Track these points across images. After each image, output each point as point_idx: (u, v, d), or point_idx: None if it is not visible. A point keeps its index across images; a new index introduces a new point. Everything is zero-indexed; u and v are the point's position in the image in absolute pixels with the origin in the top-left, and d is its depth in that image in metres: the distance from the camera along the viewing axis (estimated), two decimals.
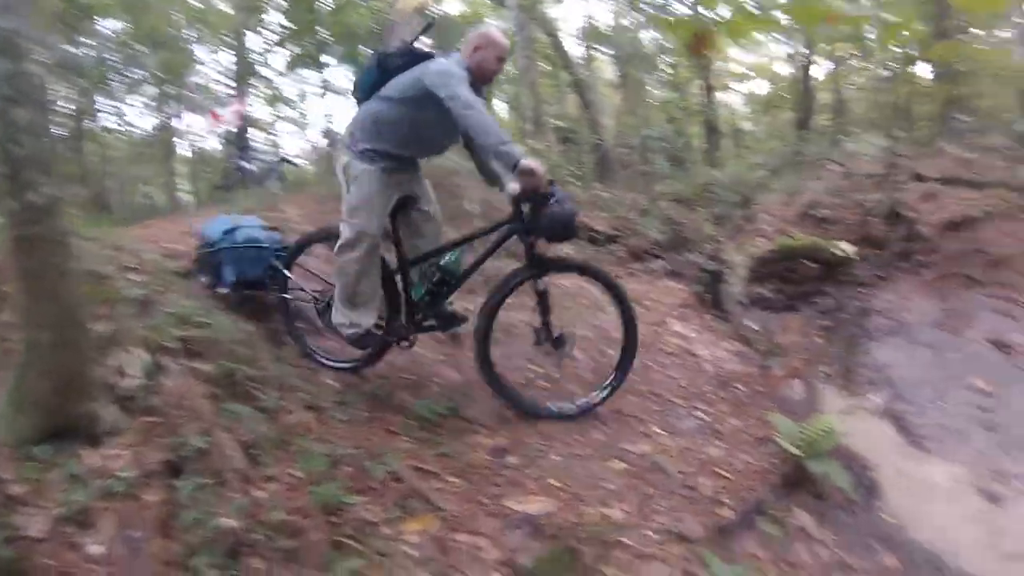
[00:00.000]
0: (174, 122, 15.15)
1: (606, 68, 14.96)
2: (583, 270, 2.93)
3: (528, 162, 2.38)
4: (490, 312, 2.80)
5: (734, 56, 15.60)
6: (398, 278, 2.94)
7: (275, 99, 16.86)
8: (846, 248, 4.71)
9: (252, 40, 14.00)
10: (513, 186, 2.53)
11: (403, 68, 2.64)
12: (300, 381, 2.93)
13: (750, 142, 13.76)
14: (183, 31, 13.81)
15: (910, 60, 9.60)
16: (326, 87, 15.80)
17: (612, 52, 12.59)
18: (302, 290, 3.20)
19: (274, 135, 17.41)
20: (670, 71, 10.93)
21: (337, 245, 2.75)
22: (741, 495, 2.60)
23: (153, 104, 14.99)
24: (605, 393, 2.96)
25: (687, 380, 3.74)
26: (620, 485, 2.64)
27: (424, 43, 2.65)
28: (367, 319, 2.82)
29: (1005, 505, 2.79)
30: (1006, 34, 11.31)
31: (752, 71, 15.60)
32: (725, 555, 2.36)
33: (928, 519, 2.69)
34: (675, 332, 4.41)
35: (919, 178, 6.24)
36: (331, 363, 3.12)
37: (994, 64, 8.80)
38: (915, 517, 2.70)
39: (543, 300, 2.80)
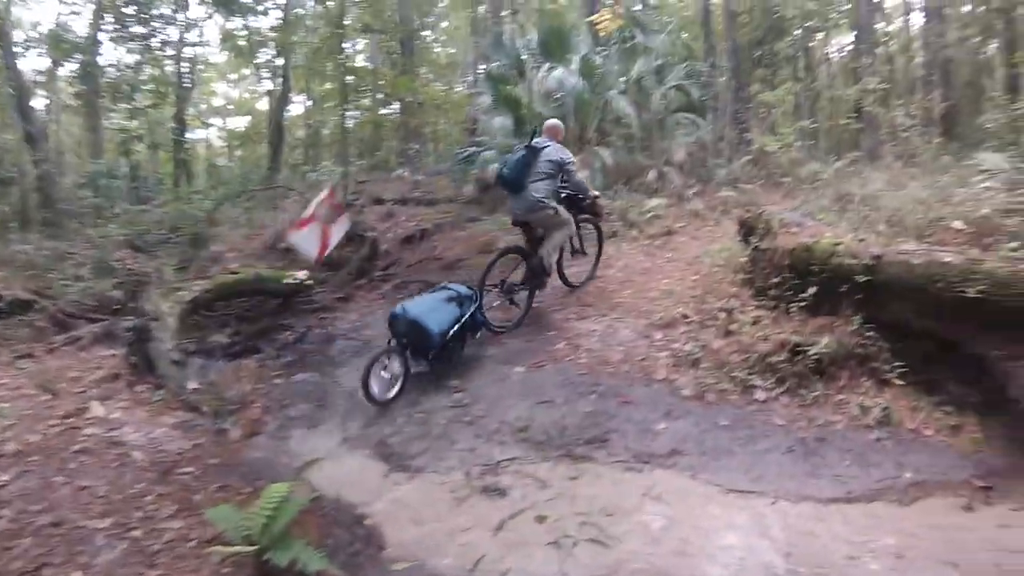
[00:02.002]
0: None
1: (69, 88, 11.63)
2: (589, 220, 4.74)
3: (597, 195, 4.68)
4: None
5: (217, 91, 14.81)
6: None
7: None
8: (298, 275, 4.38)
9: None
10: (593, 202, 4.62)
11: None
12: None
13: (224, 176, 12.69)
14: None
15: (381, 101, 10.67)
16: None
17: (76, 68, 9.96)
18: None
19: None
20: (140, 99, 9.34)
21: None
22: None
23: None
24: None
25: (109, 485, 2.77)
26: None
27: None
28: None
29: (511, 494, 2.61)
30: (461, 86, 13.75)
31: (233, 106, 15.09)
32: None
33: (442, 542, 2.37)
34: (96, 419, 3.34)
35: (379, 201, 6.68)
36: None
37: (438, 97, 10.40)
38: (428, 547, 2.36)
39: (579, 234, 4.66)
